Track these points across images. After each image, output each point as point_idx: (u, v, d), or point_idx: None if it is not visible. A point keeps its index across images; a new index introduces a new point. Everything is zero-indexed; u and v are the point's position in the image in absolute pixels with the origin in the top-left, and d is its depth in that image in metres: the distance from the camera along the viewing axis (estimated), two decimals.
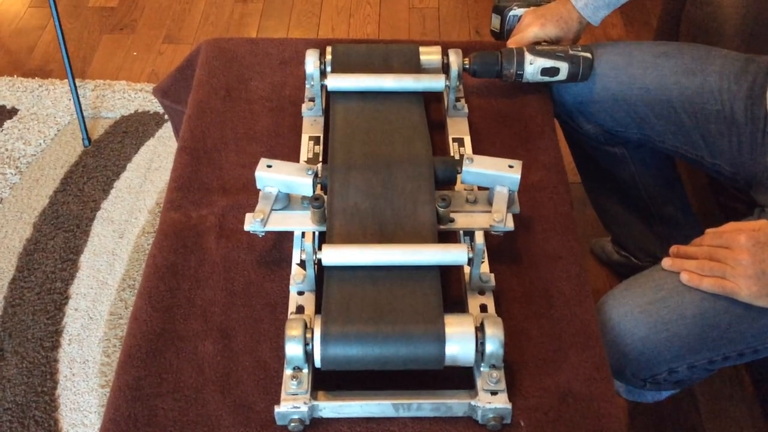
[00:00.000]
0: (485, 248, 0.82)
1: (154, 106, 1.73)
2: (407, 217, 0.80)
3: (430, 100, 1.03)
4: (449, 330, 0.70)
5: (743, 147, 0.96)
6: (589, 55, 0.99)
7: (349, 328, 0.71)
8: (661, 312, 0.83)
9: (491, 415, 0.71)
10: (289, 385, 0.71)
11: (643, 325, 0.83)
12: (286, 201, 0.83)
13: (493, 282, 0.80)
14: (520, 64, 0.98)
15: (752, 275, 0.77)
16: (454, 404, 0.72)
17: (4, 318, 1.34)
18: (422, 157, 0.86)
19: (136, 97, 1.76)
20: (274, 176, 0.81)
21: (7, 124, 1.69)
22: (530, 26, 1.03)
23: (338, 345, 0.70)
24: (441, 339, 0.70)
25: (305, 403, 0.70)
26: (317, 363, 0.71)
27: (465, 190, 0.87)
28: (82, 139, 1.66)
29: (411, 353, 0.70)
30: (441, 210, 0.80)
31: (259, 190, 0.83)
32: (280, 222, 0.82)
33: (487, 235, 0.83)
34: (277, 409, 0.70)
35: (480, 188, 0.87)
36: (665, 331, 0.83)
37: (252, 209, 0.82)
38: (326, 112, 0.99)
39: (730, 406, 1.23)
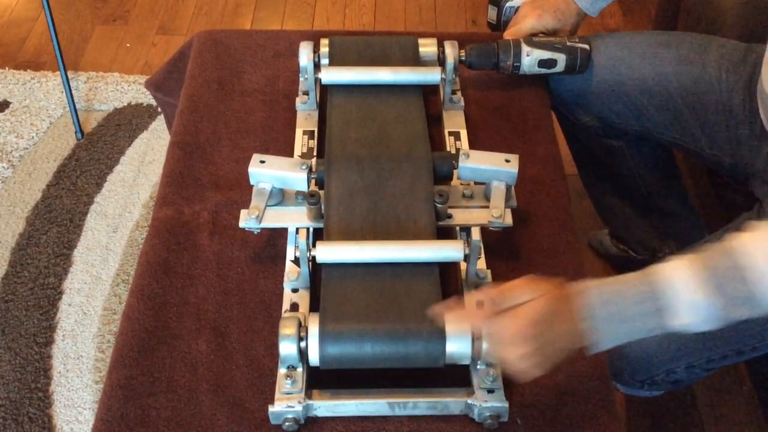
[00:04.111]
0: (482, 244, 0.81)
1: (148, 98, 1.71)
2: (405, 213, 0.79)
3: (426, 92, 1.01)
4: (445, 328, 0.69)
5: (741, 137, 0.95)
6: (586, 46, 0.97)
7: (348, 327, 0.70)
8: None
9: (488, 414, 0.70)
10: (283, 384, 0.70)
11: None
12: (280, 196, 0.82)
13: (489, 278, 0.79)
14: (517, 55, 0.97)
15: (531, 366, 0.64)
16: (450, 403, 0.71)
17: None
18: (420, 153, 0.85)
19: (129, 89, 1.74)
20: (267, 172, 0.80)
21: None
22: (527, 17, 1.01)
23: (337, 344, 0.69)
24: (441, 337, 0.69)
25: (300, 402, 0.69)
26: (316, 362, 0.70)
27: (461, 184, 0.86)
28: (75, 132, 1.64)
29: (410, 352, 0.69)
30: (439, 206, 0.79)
31: (253, 185, 0.82)
32: (275, 218, 0.81)
33: (484, 230, 0.82)
34: (271, 409, 0.70)
35: (476, 182, 0.86)
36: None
37: (245, 205, 0.81)
38: (321, 105, 0.98)
39: (729, 401, 1.22)
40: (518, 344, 0.63)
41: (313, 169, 0.82)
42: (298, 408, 0.69)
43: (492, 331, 0.65)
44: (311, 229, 0.80)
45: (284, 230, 0.84)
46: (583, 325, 0.62)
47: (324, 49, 0.98)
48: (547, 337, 0.63)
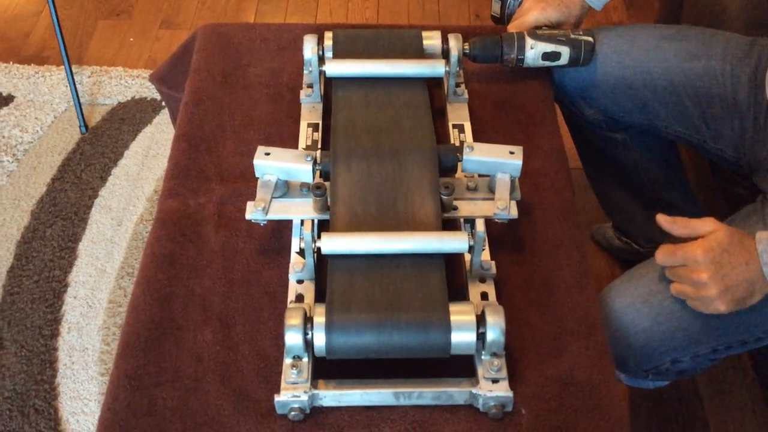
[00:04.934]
0: (486, 236, 0.82)
1: (152, 92, 1.72)
2: (411, 205, 0.80)
3: (430, 85, 1.01)
4: (450, 318, 0.70)
5: (746, 131, 0.95)
6: (590, 39, 0.97)
7: (354, 317, 0.70)
8: (664, 303, 0.82)
9: (492, 403, 0.70)
10: (288, 374, 0.71)
11: (646, 317, 0.83)
12: (285, 188, 0.83)
13: (494, 270, 0.80)
14: (521, 48, 0.97)
15: (716, 295, 0.74)
16: (455, 392, 0.71)
17: (3, 306, 1.34)
18: (426, 145, 0.85)
19: (133, 83, 1.75)
20: (272, 164, 0.81)
21: (4, 111, 1.68)
22: (531, 10, 1.01)
23: (343, 334, 0.70)
24: (447, 328, 0.69)
25: (305, 392, 0.70)
26: (322, 352, 0.70)
27: (465, 177, 0.86)
28: (79, 127, 1.64)
29: (416, 342, 0.70)
30: (444, 198, 0.80)
31: (258, 178, 0.82)
32: (281, 210, 0.81)
33: (488, 222, 0.82)
34: (277, 398, 0.70)
35: (480, 175, 0.86)
36: (668, 321, 0.83)
37: (250, 197, 0.81)
38: (325, 98, 0.98)
39: (732, 391, 1.23)
40: (702, 267, 0.71)
41: (318, 161, 0.82)
42: (304, 398, 0.70)
43: (678, 256, 0.74)
44: (316, 221, 0.80)
45: (289, 222, 0.84)
46: (765, 270, 0.70)
47: (328, 42, 0.98)
48: (727, 264, 0.70)
